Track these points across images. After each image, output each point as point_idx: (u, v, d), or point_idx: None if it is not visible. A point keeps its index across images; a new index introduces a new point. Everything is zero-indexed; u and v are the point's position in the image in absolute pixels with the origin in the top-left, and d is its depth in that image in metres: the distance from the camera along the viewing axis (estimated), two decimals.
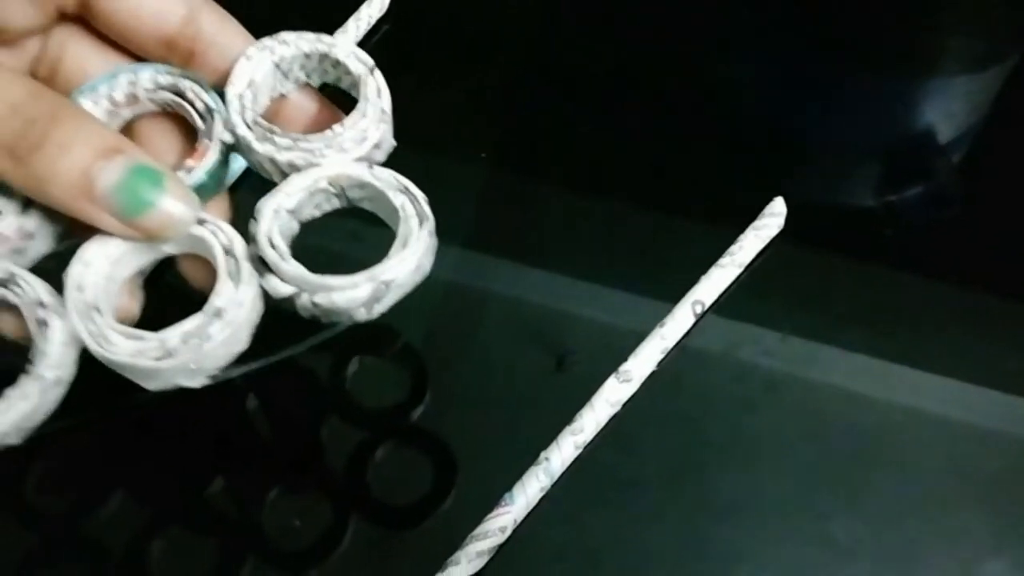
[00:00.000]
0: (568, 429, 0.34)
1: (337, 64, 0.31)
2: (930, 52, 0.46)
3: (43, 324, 0.26)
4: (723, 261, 0.38)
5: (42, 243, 0.28)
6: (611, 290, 0.39)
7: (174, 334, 0.26)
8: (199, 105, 0.30)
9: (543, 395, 0.36)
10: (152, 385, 0.27)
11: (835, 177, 0.43)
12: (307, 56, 0.31)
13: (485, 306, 0.39)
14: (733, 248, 0.38)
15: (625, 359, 0.35)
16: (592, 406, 0.34)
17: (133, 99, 0.30)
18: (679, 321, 0.36)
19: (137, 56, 0.31)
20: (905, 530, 0.33)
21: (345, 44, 0.31)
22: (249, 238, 0.28)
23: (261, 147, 0.29)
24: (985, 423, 0.36)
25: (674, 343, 0.36)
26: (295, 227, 0.29)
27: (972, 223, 0.41)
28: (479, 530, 0.32)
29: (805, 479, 0.34)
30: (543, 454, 0.33)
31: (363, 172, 0.29)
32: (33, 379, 0.26)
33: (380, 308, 0.28)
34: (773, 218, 0.39)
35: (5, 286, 0.27)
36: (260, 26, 0.31)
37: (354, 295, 0.27)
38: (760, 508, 0.34)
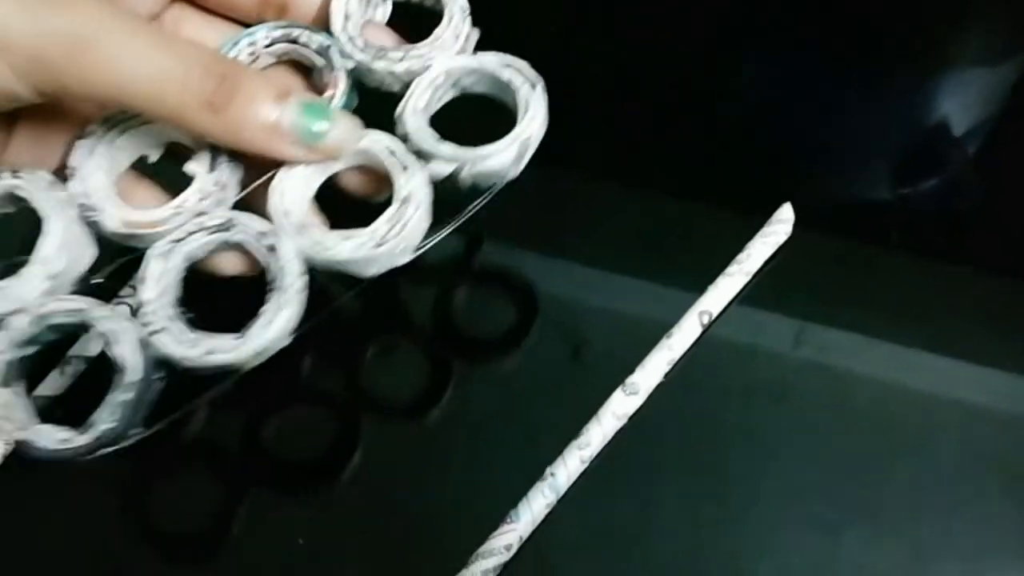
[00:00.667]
0: (575, 444, 0.34)
1: None
2: (946, 45, 0.46)
3: (271, 249, 0.32)
4: (731, 270, 0.38)
5: (232, 190, 0.34)
6: (636, 280, 0.41)
7: (380, 223, 0.32)
8: (313, 45, 0.35)
9: (563, 385, 0.38)
10: (372, 271, 0.33)
11: (853, 169, 0.44)
12: None
13: (506, 296, 0.41)
14: (740, 256, 0.38)
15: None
16: (599, 420, 0.35)
17: (255, 57, 0.35)
18: (686, 332, 0.37)
19: (238, 21, 0.36)
20: (929, 519, 0.34)
21: None
22: (401, 139, 0.34)
23: (379, 64, 0.35)
24: (1012, 409, 0.37)
25: (681, 354, 0.37)
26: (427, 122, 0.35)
27: (992, 213, 0.42)
28: (484, 548, 0.33)
29: (822, 464, 0.35)
30: (549, 469, 0.34)
31: (471, 60, 0.35)
32: (282, 291, 0.32)
33: (523, 164, 0.34)
34: (781, 224, 0.39)
35: (227, 229, 0.32)
36: None
37: (504, 157, 0.33)
38: (781, 499, 0.35)
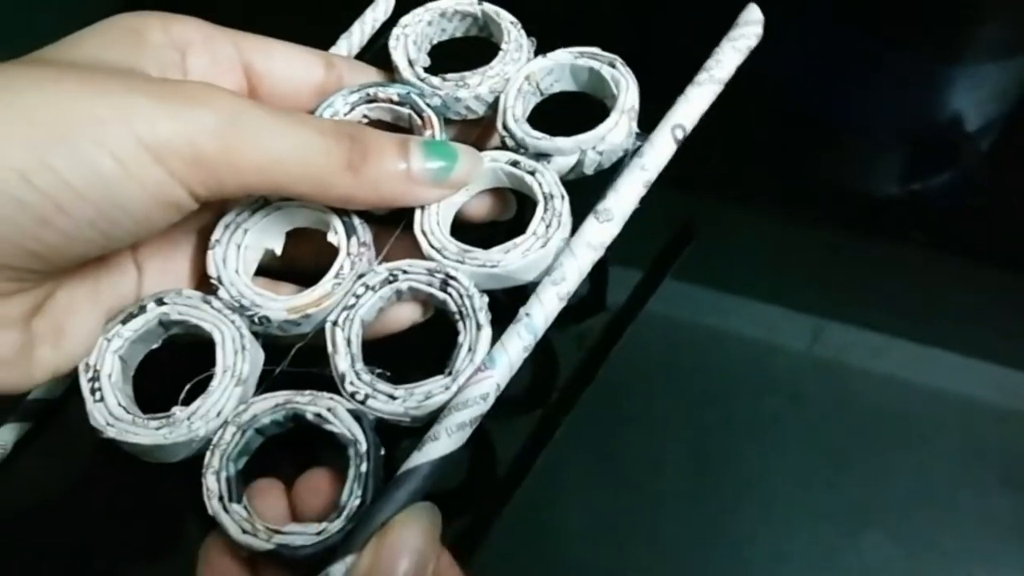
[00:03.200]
0: (548, 280, 0.31)
1: (453, 13, 0.37)
2: (960, 39, 0.46)
3: (445, 282, 0.32)
4: (700, 78, 0.34)
5: (374, 249, 0.33)
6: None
7: (536, 224, 0.32)
8: (393, 97, 0.35)
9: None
10: (534, 277, 0.33)
11: (864, 162, 0.43)
12: (429, 23, 0.37)
13: None
14: (710, 63, 0.35)
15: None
16: (573, 252, 0.31)
17: None
18: (659, 150, 0.33)
19: None
20: (929, 513, 0.34)
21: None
22: (514, 150, 0.34)
23: (463, 92, 0.35)
24: (1015, 405, 0.36)
25: (656, 174, 0.33)
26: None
27: (1002, 208, 0.41)
28: (458, 399, 0.29)
29: (826, 459, 0.34)
30: (523, 310, 0.31)
31: (546, 61, 0.36)
32: (472, 316, 0.31)
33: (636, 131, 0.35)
34: (750, 27, 0.36)
35: (395, 279, 0.32)
36: (269, 28, 0.36)
37: (620, 130, 0.34)
38: (783, 490, 0.34)
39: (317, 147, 0.29)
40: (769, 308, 0.38)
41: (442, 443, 0.29)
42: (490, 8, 0.37)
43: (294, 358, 0.32)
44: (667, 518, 0.34)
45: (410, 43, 0.36)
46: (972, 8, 0.47)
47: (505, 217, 0.35)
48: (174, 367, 0.31)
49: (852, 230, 0.41)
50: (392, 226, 0.34)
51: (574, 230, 0.33)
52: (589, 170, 0.34)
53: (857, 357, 0.37)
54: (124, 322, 0.31)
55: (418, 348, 0.34)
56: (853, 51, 0.46)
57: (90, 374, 0.30)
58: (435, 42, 0.38)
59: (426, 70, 0.36)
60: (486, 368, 0.30)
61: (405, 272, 0.32)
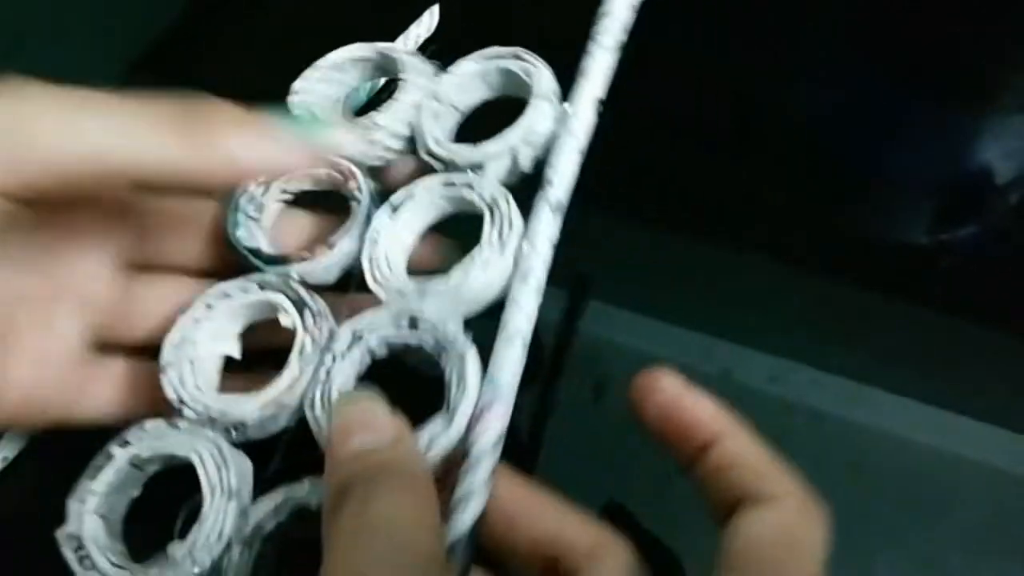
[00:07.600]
0: (517, 277, 0.30)
1: (345, 61, 0.36)
2: (991, 88, 0.45)
3: (413, 323, 0.29)
4: (603, 40, 0.34)
5: (329, 316, 0.31)
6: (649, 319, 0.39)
7: (489, 238, 0.30)
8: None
9: (580, 424, 0.35)
10: (499, 291, 0.30)
11: (889, 213, 0.42)
12: (327, 83, 0.36)
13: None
14: (605, 22, 0.34)
15: None
16: (534, 246, 0.30)
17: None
18: (583, 120, 0.32)
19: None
20: None
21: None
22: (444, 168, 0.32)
23: (378, 135, 0.33)
24: None
25: (585, 142, 0.32)
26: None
27: None
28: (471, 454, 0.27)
29: (843, 523, 0.33)
30: (503, 317, 0.29)
31: (451, 77, 0.34)
32: (451, 349, 0.29)
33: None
34: None
35: (360, 337, 0.30)
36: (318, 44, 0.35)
37: (544, 116, 0.32)
38: None
39: (145, 120, 0.26)
40: (778, 362, 0.37)
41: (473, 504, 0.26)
42: (383, 45, 0.35)
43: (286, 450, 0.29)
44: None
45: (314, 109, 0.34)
46: (1004, 57, 0.46)
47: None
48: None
49: (877, 285, 0.39)
50: (343, 291, 0.31)
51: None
52: (526, 165, 0.32)
53: (872, 417, 0.35)
54: (92, 478, 0.28)
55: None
56: (881, 101, 0.45)
57: (73, 544, 0.28)
58: (339, 98, 0.36)
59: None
60: (491, 405, 0.27)
61: (369, 327, 0.29)
